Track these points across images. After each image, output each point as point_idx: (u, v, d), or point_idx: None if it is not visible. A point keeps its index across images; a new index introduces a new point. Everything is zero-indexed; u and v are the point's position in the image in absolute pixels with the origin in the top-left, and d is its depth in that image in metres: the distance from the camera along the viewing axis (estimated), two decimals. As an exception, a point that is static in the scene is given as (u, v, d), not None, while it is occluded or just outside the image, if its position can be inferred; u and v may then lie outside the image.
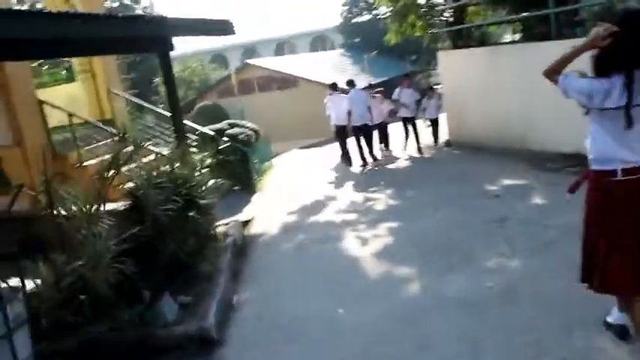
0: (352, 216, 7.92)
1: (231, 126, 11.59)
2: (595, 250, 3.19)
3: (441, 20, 15.20)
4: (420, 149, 12.33)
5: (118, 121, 11.66)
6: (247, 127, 11.72)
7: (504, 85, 10.96)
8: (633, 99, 2.86)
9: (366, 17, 44.69)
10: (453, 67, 13.13)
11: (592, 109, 3.03)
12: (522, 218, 6.43)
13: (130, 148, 9.11)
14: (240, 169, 11.07)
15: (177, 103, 7.80)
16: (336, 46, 48.10)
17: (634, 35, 2.86)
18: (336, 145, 13.15)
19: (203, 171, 9.97)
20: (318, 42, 57.08)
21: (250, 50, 56.83)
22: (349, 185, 10.40)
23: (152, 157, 9.32)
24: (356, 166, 12.07)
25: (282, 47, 58.36)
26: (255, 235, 7.79)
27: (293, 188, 11.13)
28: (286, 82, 29.00)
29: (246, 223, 8.58)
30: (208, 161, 11.20)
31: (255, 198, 10.63)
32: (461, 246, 5.82)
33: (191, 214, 5.79)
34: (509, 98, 10.79)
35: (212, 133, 10.99)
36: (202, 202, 5.90)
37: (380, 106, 12.88)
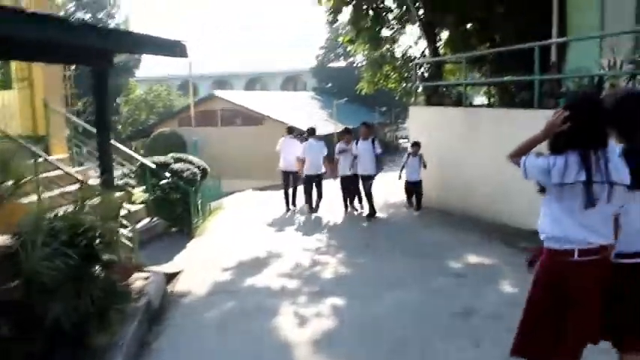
0: (294, 283, 6.83)
1: (177, 160, 10.48)
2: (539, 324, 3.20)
3: (416, 75, 14.51)
4: (371, 211, 10.98)
5: (52, 140, 10.47)
6: (194, 164, 10.62)
7: (477, 149, 10.20)
8: (592, 175, 2.94)
9: (341, 63, 44.49)
10: (423, 123, 12.39)
11: (551, 187, 3.10)
12: (490, 311, 5.46)
13: (56, 172, 7.98)
14: (179, 209, 9.93)
15: (107, 128, 6.68)
16: (308, 89, 47.62)
17: (584, 117, 3.03)
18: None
19: (133, 209, 8.90)
20: (290, 82, 56.71)
21: (221, 82, 56.07)
22: (297, 242, 9.32)
23: (74, 187, 8.16)
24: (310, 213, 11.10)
25: (253, 83, 57.82)
26: (178, 295, 6.61)
27: (236, 237, 10.02)
28: (251, 118, 28.06)
29: (172, 276, 7.41)
30: (143, 197, 10.14)
31: (191, 244, 9.46)
32: (416, 342, 4.80)
33: (94, 269, 4.63)
34: (481, 164, 10.01)
35: (153, 165, 9.84)
36: (108, 257, 4.72)
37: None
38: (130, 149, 32.06)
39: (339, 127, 26.13)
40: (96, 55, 6.61)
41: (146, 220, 9.79)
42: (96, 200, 5.27)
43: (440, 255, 7.83)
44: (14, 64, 10.52)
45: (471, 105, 12.09)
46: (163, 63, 46.31)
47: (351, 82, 32.54)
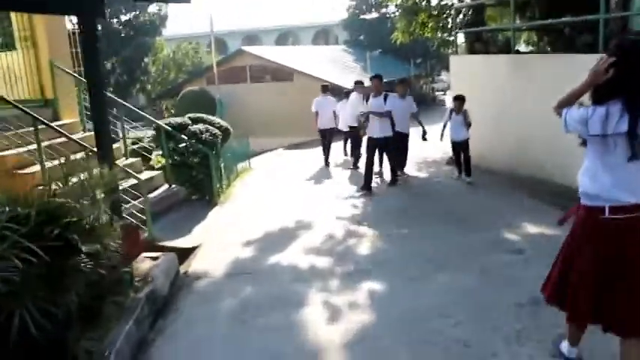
0: (324, 261, 5.91)
1: (195, 121, 9.54)
2: (569, 272, 3.16)
3: (455, 21, 13.18)
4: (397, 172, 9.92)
5: (61, 103, 9.64)
6: (215, 124, 9.67)
7: (528, 100, 9.01)
8: (638, 126, 2.74)
9: (373, 15, 42.65)
10: (466, 74, 11.16)
11: (590, 139, 2.95)
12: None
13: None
14: (200, 174, 9.05)
15: (100, 86, 5.72)
16: (340, 42, 45.96)
17: (629, 62, 2.80)
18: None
19: (148, 175, 8.06)
20: (322, 36, 54.96)
21: (251, 37, 54.60)
22: (329, 208, 8.38)
23: (79, 155, 7.30)
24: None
25: (284, 38, 56.20)
26: (192, 276, 5.76)
27: (262, 203, 9.14)
28: (281, 73, 26.88)
29: (187, 252, 6.59)
30: (161, 162, 9.30)
31: (213, 213, 8.60)
32: (475, 347, 3.85)
33: (73, 262, 3.76)
34: (532, 118, 8.85)
35: (168, 128, 8.95)
36: (89, 247, 3.81)
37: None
38: (159, 109, 31.62)
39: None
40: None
41: (164, 188, 8.95)
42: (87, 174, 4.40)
43: (492, 225, 6.80)
44: (15, 22, 9.64)
45: (519, 52, 10.75)
46: (191, 21, 45.35)
47: (384, 34, 31.01)
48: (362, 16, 43.11)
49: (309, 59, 30.14)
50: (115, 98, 9.65)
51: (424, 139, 10.20)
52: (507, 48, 10.29)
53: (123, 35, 34.34)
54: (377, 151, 9.78)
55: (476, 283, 4.98)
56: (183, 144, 8.91)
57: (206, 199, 9.11)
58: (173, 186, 9.01)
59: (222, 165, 10.03)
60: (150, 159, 9.70)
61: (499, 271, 5.25)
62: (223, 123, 9.95)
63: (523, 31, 11.21)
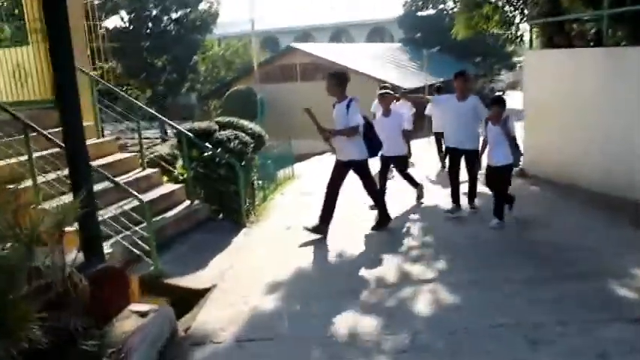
0: (369, 326, 4.35)
1: (224, 126, 8.13)
2: None
3: (530, 10, 11.38)
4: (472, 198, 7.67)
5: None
6: (247, 130, 8.23)
7: (621, 103, 7.27)
8: None
9: (430, 11, 40.68)
10: (544, 71, 9.44)
11: None
12: None
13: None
14: (227, 189, 7.66)
15: (67, 67, 4.28)
16: (395, 40, 44.13)
17: None
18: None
19: (167, 190, 6.80)
20: (377, 34, 53.15)
21: (305, 35, 53.31)
22: (379, 244, 6.76)
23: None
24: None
25: (338, 36, 54.64)
26: (190, 341, 4.32)
27: (299, 227, 7.52)
28: (333, 72, 25.45)
29: (196, 295, 5.20)
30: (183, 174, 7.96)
31: (238, 238, 7.14)
32: None
33: None
34: (627, 124, 7.11)
35: (190, 134, 7.59)
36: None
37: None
38: (208, 108, 30.63)
39: (431, 81, 23.18)
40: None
41: (185, 204, 7.60)
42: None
43: (589, 269, 5.13)
44: (25, 12, 8.50)
45: (617, 45, 8.91)
46: (241, 19, 44.39)
47: (442, 32, 29.14)
48: (418, 13, 41.19)
49: (364, 57, 28.56)
50: (130, 98, 8.38)
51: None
52: (600, 40, 8.51)
53: (173, 33, 33.64)
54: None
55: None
56: (208, 153, 7.52)
57: (234, 220, 7.70)
58: (196, 202, 7.67)
59: (254, 178, 8.62)
60: (172, 171, 8.41)
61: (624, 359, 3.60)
62: (257, 129, 8.48)
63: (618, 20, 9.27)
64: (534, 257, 5.65)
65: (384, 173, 8.07)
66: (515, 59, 42.90)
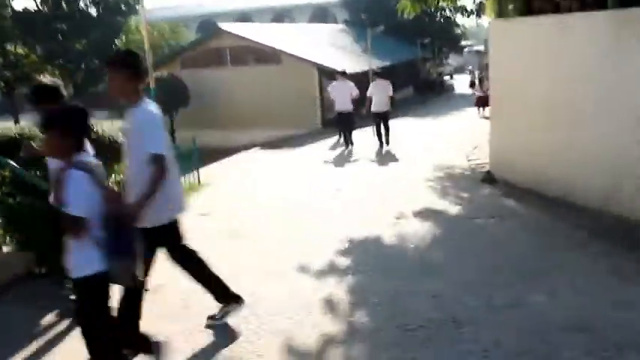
0: None
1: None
2: None
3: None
4: None
5: None
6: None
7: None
8: None
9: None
10: (519, 46, 7.06)
11: None
12: None
13: None
14: (44, 228, 4.80)
15: None
16: (340, 22, 41.50)
17: None
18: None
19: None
20: (319, 16, 50.49)
21: (245, 18, 50.14)
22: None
23: None
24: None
25: (280, 18, 51.81)
26: None
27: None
28: (267, 56, 22.49)
29: None
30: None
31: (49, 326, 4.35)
32: None
33: None
34: (621, 120, 4.82)
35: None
36: None
37: None
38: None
39: (375, 64, 20.76)
40: None
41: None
42: None
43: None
44: None
45: (622, 5, 6.42)
46: (182, 4, 41.01)
47: (389, 14, 26.75)
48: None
49: (302, 40, 25.82)
50: None
51: None
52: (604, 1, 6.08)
53: (94, 16, 30.34)
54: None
55: None
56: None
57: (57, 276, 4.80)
58: (4, 250, 4.89)
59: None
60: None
61: None
62: (108, 133, 5.66)
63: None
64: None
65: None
66: (463, 42, 41.13)
